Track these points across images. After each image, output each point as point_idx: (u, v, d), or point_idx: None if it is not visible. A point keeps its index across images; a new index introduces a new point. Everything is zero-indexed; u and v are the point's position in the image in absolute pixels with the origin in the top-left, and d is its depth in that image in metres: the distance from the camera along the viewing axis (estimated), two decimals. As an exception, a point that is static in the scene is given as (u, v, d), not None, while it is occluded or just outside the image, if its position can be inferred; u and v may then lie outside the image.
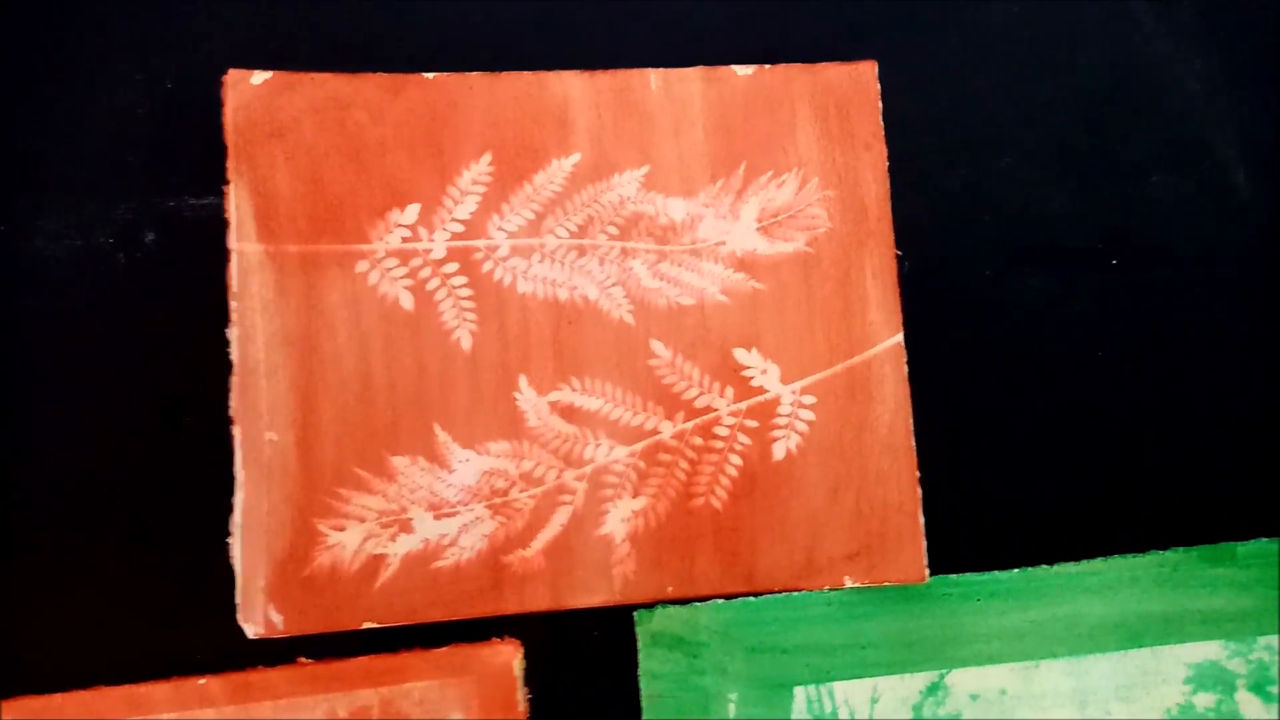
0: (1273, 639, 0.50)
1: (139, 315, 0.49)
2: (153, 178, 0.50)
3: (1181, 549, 0.51)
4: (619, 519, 0.50)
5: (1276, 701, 0.50)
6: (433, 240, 0.50)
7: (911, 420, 0.51)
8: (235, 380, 0.48)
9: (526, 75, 0.52)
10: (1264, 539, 0.51)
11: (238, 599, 0.47)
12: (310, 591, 0.48)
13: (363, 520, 0.49)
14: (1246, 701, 0.50)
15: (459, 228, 0.51)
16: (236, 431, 0.48)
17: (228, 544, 0.47)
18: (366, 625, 0.48)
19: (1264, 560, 0.51)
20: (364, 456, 0.49)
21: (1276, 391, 0.53)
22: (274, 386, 0.49)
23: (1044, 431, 0.52)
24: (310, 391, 0.49)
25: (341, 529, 0.49)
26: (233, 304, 0.49)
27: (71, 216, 0.49)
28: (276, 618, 0.48)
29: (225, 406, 0.48)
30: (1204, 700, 0.50)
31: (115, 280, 0.49)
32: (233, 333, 0.49)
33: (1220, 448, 0.52)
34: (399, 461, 0.49)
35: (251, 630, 0.47)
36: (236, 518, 0.48)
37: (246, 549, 0.48)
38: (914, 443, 0.51)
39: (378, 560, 0.49)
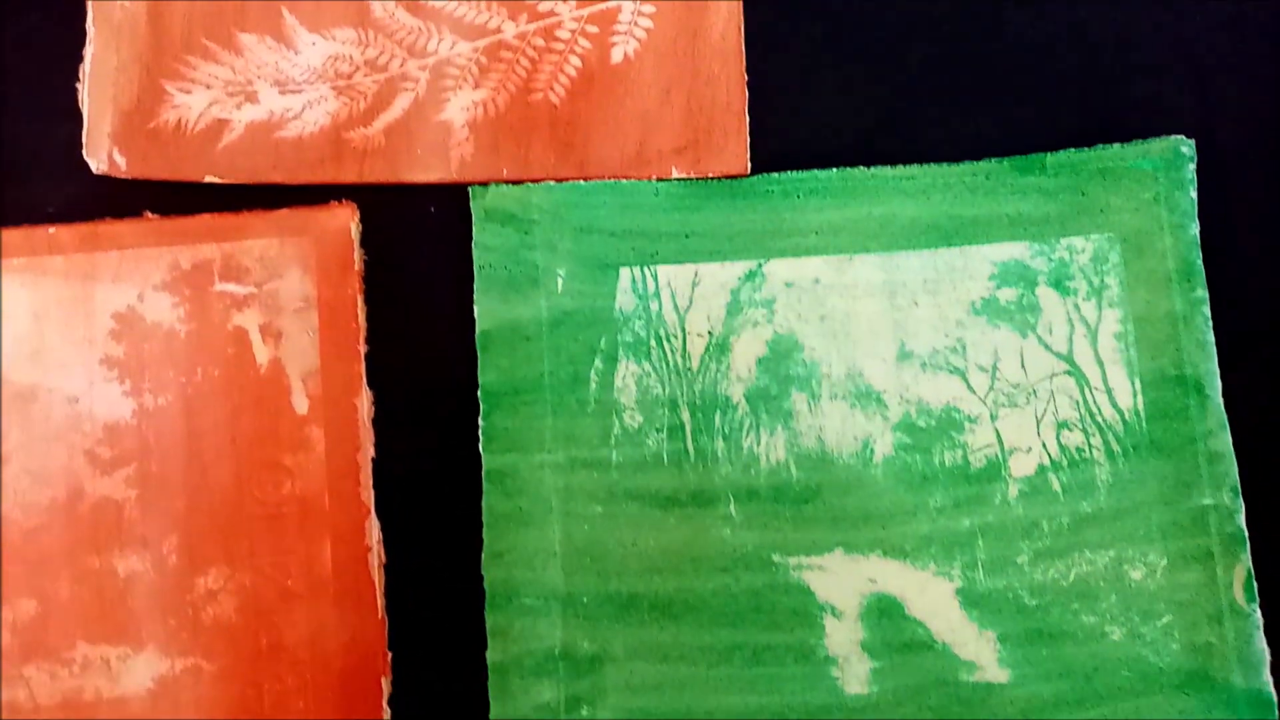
0: (1074, 240, 0.53)
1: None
2: None
3: (994, 159, 0.54)
4: (459, 107, 0.53)
5: (1072, 295, 0.53)
6: None
7: (742, 29, 0.54)
8: (88, -54, 0.51)
9: None
10: (1071, 150, 0.54)
11: (84, 139, 0.50)
12: (155, 142, 0.51)
13: (209, 87, 0.51)
14: (1046, 295, 0.53)
15: None
16: (88, -8, 0.51)
17: (77, 89, 0.50)
18: (209, 179, 0.51)
19: (1070, 169, 0.54)
20: (213, 30, 0.52)
21: (1072, 17, 0.56)
22: (125, -45, 0.51)
23: (868, 52, 0.55)
24: (161, -37, 0.51)
25: (188, 92, 0.51)
26: (87, -123, 0.51)
27: None
28: (120, 159, 0.50)
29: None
30: (1007, 294, 0.53)
31: None
32: (87, -98, 0.51)
33: (1030, 70, 0.55)
34: (247, 39, 0.52)
35: (95, 165, 0.50)
36: (85, 68, 0.50)
37: (94, 97, 0.50)
38: (744, 49, 0.54)
39: (222, 124, 0.51)
